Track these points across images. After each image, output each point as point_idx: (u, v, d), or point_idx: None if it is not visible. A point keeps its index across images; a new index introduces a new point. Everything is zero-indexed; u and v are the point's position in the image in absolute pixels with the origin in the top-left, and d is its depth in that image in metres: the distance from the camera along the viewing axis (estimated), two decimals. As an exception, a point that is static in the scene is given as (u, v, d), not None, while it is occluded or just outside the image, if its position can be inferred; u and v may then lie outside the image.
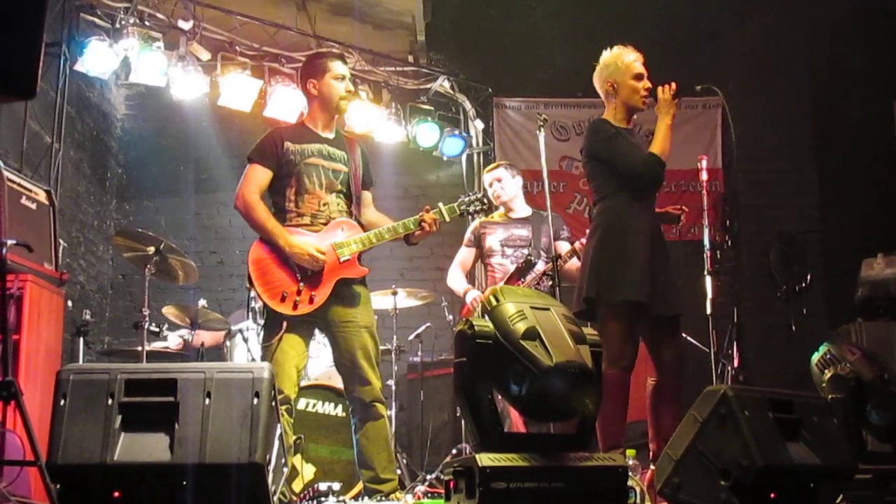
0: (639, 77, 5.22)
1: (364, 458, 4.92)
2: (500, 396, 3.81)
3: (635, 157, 5.08)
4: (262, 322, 6.82)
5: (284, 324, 4.83)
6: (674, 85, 5.18)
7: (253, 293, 7.06)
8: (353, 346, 4.94)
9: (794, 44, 9.63)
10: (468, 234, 6.86)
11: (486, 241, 6.71)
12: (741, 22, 9.77)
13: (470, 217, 5.45)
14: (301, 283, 4.86)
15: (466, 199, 5.31)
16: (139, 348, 6.47)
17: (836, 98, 9.44)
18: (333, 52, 5.56)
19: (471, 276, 6.98)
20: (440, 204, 5.19)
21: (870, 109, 9.18)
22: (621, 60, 5.25)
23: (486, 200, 5.36)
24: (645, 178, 5.12)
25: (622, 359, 4.85)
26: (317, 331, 5.18)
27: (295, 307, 4.84)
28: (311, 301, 4.86)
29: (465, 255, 6.90)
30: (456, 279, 6.83)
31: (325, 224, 5.01)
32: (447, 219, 5.21)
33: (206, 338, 7.37)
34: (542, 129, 5.64)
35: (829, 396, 4.94)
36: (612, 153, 5.13)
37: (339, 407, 6.40)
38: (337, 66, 5.21)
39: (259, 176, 5.02)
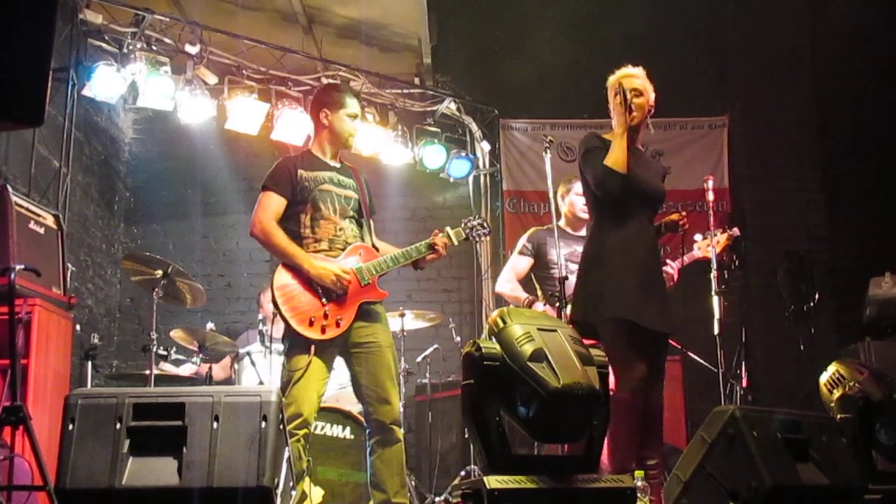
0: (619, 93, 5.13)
1: (377, 481, 4.92)
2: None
3: (597, 170, 5.05)
4: (269, 345, 6.87)
5: (313, 348, 4.85)
6: (621, 98, 5.04)
7: (261, 316, 7.19)
8: (377, 366, 4.98)
9: (802, 64, 9.64)
10: (524, 242, 6.64)
11: (547, 253, 6.51)
12: (748, 43, 9.78)
13: (475, 241, 5.47)
14: (327, 307, 4.89)
15: (471, 222, 5.40)
16: (147, 372, 6.48)
17: (844, 118, 9.44)
18: (350, 88, 5.61)
19: (525, 286, 6.71)
20: (447, 228, 5.27)
21: (877, 128, 9.18)
22: (610, 80, 5.24)
23: (486, 225, 5.44)
24: (600, 189, 5.08)
25: (629, 381, 4.80)
26: None
27: (323, 331, 4.87)
28: (337, 325, 4.90)
29: (520, 263, 6.64)
30: (511, 287, 6.61)
31: (343, 249, 5.07)
32: (455, 242, 5.32)
33: (216, 370, 7.37)
34: (549, 151, 5.65)
35: (838, 416, 4.93)
36: (585, 164, 5.16)
37: (348, 429, 6.39)
38: (352, 104, 5.30)
39: (274, 203, 5.05)
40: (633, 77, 5.19)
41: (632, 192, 5.05)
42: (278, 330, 5.69)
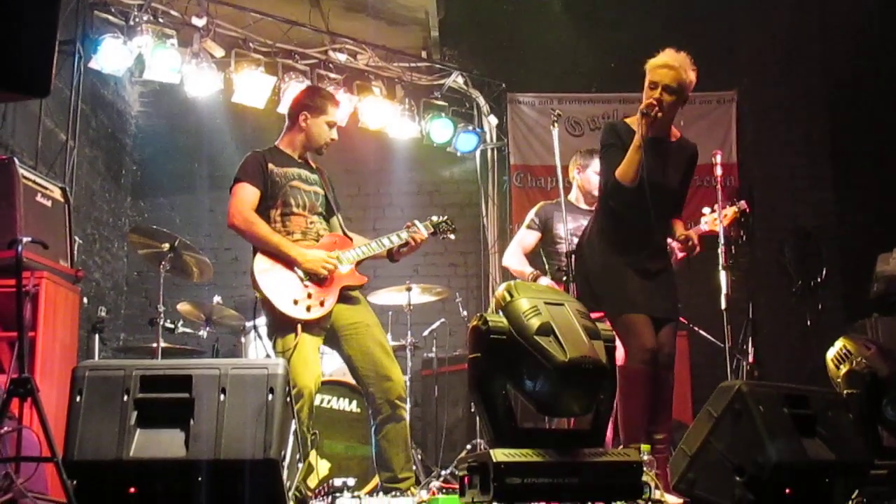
0: (652, 86, 4.98)
1: (383, 460, 4.94)
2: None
3: (608, 178, 5.05)
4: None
5: (299, 327, 4.85)
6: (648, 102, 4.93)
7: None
8: (369, 344, 4.99)
9: (810, 39, 9.60)
10: (532, 216, 6.64)
11: (554, 227, 6.48)
12: (757, 17, 9.72)
13: (441, 237, 5.60)
14: (310, 288, 4.94)
15: (436, 219, 5.59)
16: (154, 345, 6.49)
17: (852, 94, 9.40)
18: (333, 96, 5.62)
19: (531, 260, 6.66)
20: (416, 221, 5.43)
21: (885, 104, 9.14)
22: (647, 65, 5.06)
23: (451, 223, 5.65)
24: (607, 197, 5.12)
25: (639, 353, 4.78)
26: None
27: (308, 310, 4.89)
28: (322, 304, 4.94)
29: (527, 237, 6.62)
30: (517, 261, 6.59)
31: (316, 240, 5.14)
32: (425, 235, 5.43)
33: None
34: (556, 125, 5.62)
35: (845, 392, 4.94)
36: (601, 160, 5.21)
37: (354, 403, 6.42)
38: (333, 112, 5.35)
39: (249, 194, 5.08)
40: (667, 69, 4.99)
41: (637, 201, 4.96)
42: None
